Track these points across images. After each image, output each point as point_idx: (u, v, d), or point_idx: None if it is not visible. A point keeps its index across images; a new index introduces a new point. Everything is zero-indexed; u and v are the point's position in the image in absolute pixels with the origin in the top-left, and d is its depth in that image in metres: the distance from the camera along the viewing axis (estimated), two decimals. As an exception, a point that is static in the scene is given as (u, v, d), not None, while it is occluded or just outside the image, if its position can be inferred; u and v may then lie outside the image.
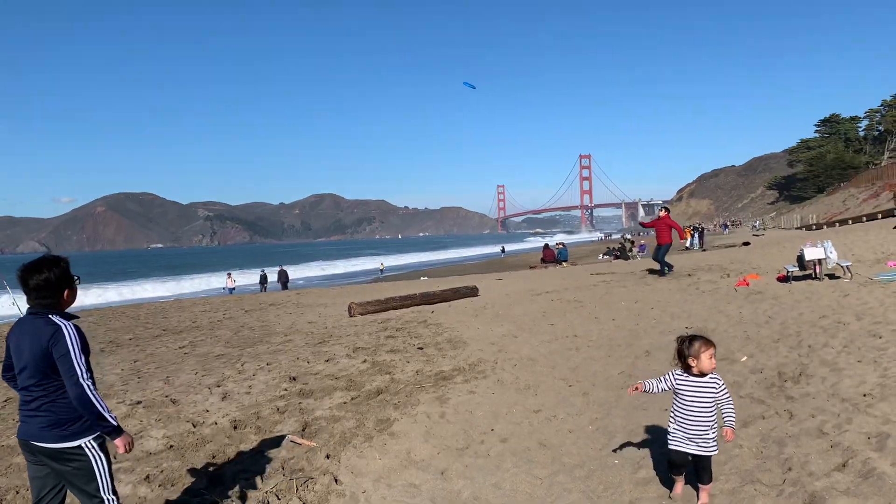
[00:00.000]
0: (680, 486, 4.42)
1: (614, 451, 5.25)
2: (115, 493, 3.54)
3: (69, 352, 3.29)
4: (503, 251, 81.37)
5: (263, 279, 37.31)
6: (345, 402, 7.16)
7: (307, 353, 10.17)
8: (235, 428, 6.39)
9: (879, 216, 30.78)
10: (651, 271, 18.81)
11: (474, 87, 43.98)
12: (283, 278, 36.98)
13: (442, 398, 7.08)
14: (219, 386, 8.20)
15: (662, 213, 18.20)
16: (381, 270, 50.94)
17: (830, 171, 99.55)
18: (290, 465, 5.36)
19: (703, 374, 4.11)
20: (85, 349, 3.38)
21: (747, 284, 13.86)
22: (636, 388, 4.33)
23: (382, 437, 5.91)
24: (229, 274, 40.14)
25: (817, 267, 13.73)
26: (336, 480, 5.01)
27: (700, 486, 4.25)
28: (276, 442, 5.92)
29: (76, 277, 3.55)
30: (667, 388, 4.26)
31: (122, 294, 45.88)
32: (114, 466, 5.32)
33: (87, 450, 3.40)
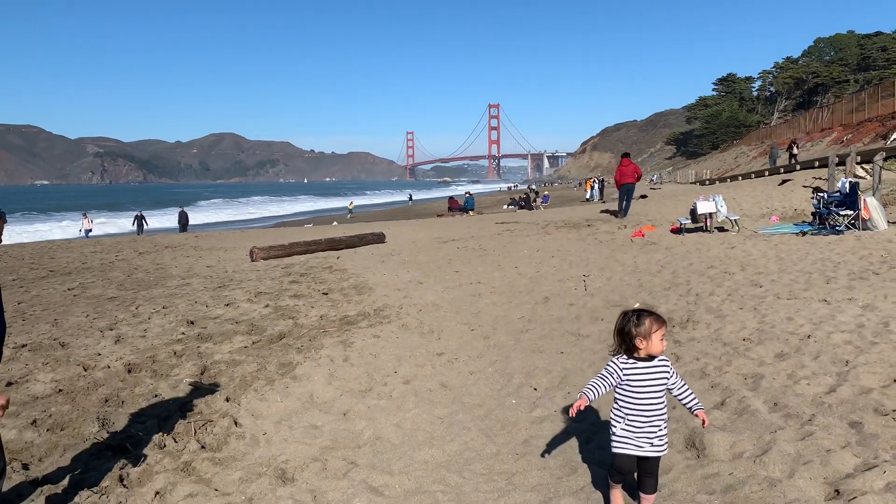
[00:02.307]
0: (618, 494, 3.63)
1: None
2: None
3: None
4: (410, 199, 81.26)
5: (140, 222, 35.50)
6: (246, 347, 7.05)
7: (206, 297, 9.90)
8: (130, 371, 6.18)
9: (766, 173, 32.64)
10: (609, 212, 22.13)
11: None
12: (184, 220, 35.60)
13: (346, 342, 7.09)
14: (111, 329, 7.88)
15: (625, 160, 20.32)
16: (351, 210, 49.77)
17: (725, 128, 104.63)
18: (188, 408, 5.25)
19: (651, 357, 3.36)
20: None
21: (643, 235, 14.47)
22: (579, 406, 3.36)
23: (284, 381, 5.87)
24: (85, 214, 37.09)
25: (708, 220, 14.53)
26: (236, 423, 4.95)
27: (643, 495, 3.48)
28: (174, 385, 5.78)
29: None
30: (614, 384, 3.40)
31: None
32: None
33: None
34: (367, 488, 3.96)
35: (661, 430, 3.37)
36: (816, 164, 26.04)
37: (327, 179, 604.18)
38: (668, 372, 3.40)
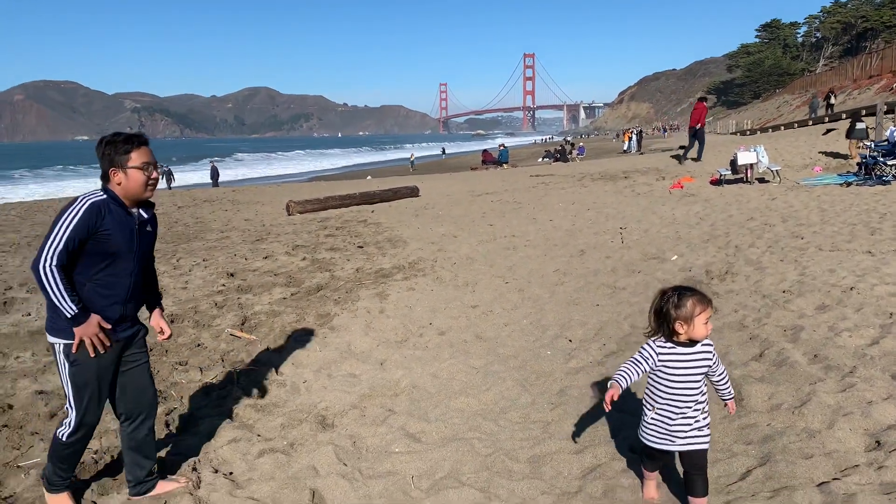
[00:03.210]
0: (653, 486, 3.25)
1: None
2: (81, 405, 3.00)
3: (55, 221, 2.81)
4: (444, 152, 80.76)
5: (168, 176, 35.89)
6: (284, 298, 7.18)
7: (245, 250, 10.06)
8: (172, 322, 6.35)
9: (810, 122, 31.64)
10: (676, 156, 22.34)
11: None
12: (215, 174, 36.00)
13: (382, 294, 7.16)
14: (154, 281, 8.06)
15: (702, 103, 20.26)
16: (412, 162, 50.51)
17: (768, 77, 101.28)
18: (230, 357, 5.39)
19: (692, 343, 2.93)
20: (83, 226, 2.80)
21: (681, 187, 14.23)
22: (612, 396, 2.90)
23: (323, 331, 5.98)
24: None
25: (749, 171, 14.21)
26: (277, 371, 5.07)
27: (692, 498, 2.99)
28: (215, 335, 5.92)
29: (148, 164, 2.98)
30: (648, 370, 3.00)
31: (46, 189, 44.08)
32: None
33: (56, 351, 2.97)
34: (405, 434, 4.04)
35: (697, 421, 2.94)
36: (864, 112, 25.13)
37: (360, 133, 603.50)
38: (711, 359, 2.96)
